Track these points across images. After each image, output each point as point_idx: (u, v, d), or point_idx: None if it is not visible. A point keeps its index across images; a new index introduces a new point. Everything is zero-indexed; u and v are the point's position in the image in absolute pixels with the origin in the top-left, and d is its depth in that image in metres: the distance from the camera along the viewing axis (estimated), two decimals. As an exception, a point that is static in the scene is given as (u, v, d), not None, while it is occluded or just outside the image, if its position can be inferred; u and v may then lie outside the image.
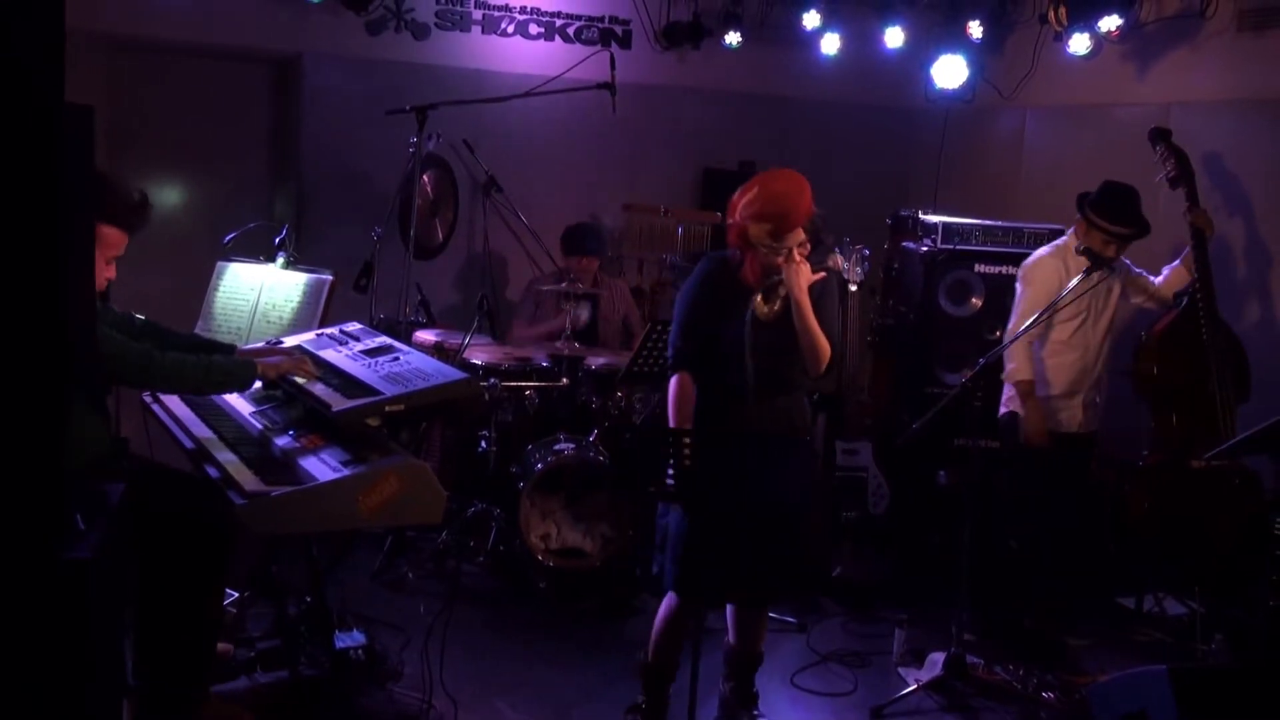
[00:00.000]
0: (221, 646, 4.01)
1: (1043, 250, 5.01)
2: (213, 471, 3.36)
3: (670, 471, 3.55)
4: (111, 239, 3.50)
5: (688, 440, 3.56)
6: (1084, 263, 4.75)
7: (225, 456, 3.43)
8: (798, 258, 3.63)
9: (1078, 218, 4.86)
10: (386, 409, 3.42)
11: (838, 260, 4.09)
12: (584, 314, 5.93)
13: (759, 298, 3.69)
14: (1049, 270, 4.88)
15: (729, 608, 3.95)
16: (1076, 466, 5.03)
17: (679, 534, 3.70)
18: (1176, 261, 5.11)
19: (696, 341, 3.75)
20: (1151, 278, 5.08)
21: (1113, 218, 4.73)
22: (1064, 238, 4.97)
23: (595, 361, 5.55)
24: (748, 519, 3.65)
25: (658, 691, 3.95)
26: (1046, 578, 5.00)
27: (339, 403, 3.44)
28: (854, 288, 5.49)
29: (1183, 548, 4.94)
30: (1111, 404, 5.64)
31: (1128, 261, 4.99)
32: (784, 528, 3.70)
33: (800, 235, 3.65)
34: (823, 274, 3.74)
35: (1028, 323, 4.61)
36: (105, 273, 3.55)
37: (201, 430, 3.71)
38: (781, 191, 3.63)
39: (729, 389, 3.73)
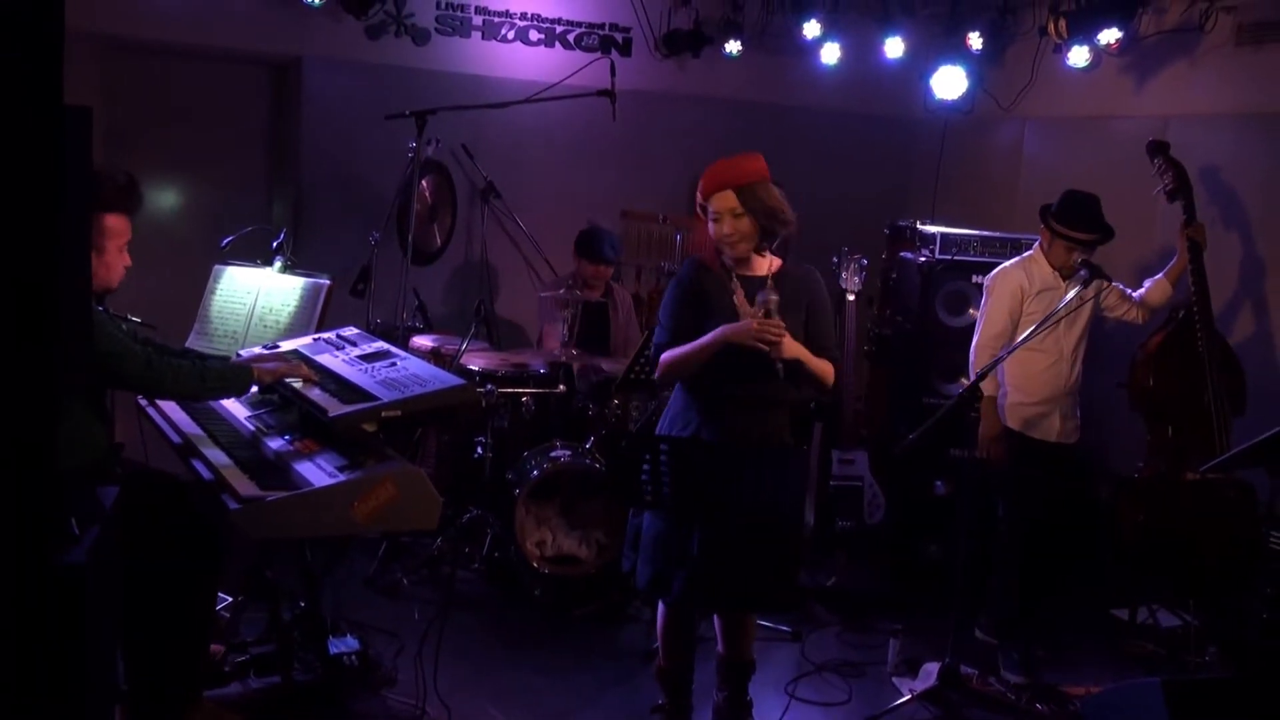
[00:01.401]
0: (212, 647, 4.01)
1: (1009, 261, 5.00)
2: (203, 470, 3.36)
3: (644, 478, 3.56)
4: (117, 227, 3.54)
5: (663, 448, 3.57)
6: (1046, 274, 4.82)
7: (217, 456, 3.43)
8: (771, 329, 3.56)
9: (1041, 228, 4.87)
10: (383, 414, 3.41)
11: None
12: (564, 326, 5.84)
13: (739, 297, 3.66)
14: (1011, 282, 4.86)
15: (715, 617, 3.95)
16: (1057, 478, 4.96)
17: (650, 537, 3.71)
18: (1159, 274, 5.11)
19: (677, 338, 3.72)
20: (1129, 290, 5.07)
21: (1075, 225, 4.75)
22: (1031, 250, 4.97)
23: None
24: (721, 527, 3.62)
25: (676, 692, 4.00)
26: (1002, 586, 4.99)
27: (335, 408, 3.44)
28: (851, 298, 5.50)
29: (1177, 560, 4.94)
30: (1107, 417, 5.64)
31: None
32: (759, 537, 3.66)
33: (731, 202, 3.62)
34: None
35: (1027, 333, 4.57)
36: (122, 261, 3.59)
37: (193, 429, 3.71)
38: (724, 158, 3.70)
39: (706, 395, 3.72)
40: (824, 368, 3.71)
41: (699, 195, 3.72)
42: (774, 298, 3.59)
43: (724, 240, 3.67)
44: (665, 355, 3.73)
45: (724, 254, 3.73)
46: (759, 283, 3.70)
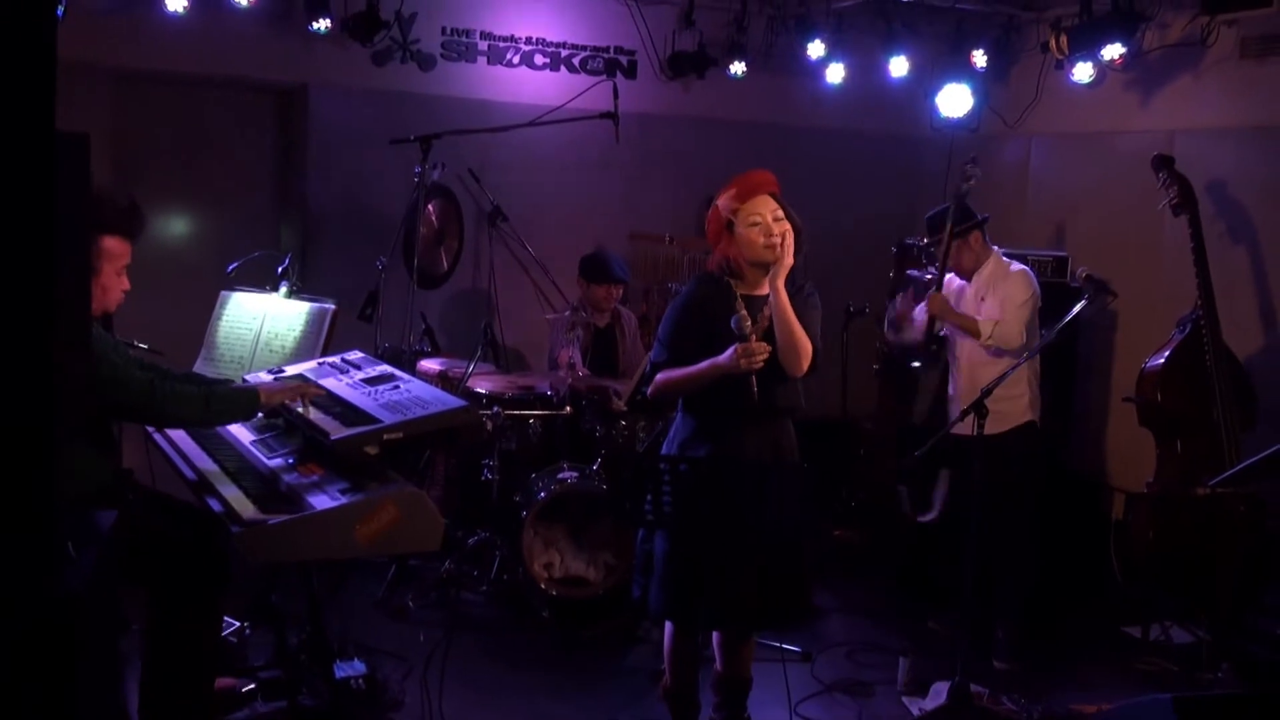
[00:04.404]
0: (226, 681, 4.00)
1: None
2: (215, 505, 3.36)
3: (648, 498, 3.55)
4: (115, 250, 3.53)
5: (673, 468, 3.56)
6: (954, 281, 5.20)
7: (228, 490, 3.42)
8: (781, 244, 3.62)
9: None
10: (385, 437, 3.43)
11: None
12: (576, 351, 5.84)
13: (746, 322, 3.63)
14: None
15: (715, 635, 3.94)
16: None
17: (663, 560, 3.70)
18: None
19: (677, 359, 3.72)
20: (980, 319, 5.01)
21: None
22: None
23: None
24: (733, 547, 3.60)
25: (684, 712, 3.98)
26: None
27: (337, 431, 3.45)
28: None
29: (1189, 575, 4.91)
30: (1115, 431, 5.62)
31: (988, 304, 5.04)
32: (770, 556, 3.65)
33: (772, 205, 3.66)
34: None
35: (1036, 344, 4.70)
36: (120, 285, 3.59)
37: (205, 462, 3.71)
38: (749, 171, 3.75)
39: (715, 414, 3.72)
40: (801, 335, 3.65)
41: (730, 201, 3.69)
42: (746, 319, 3.60)
43: (771, 242, 3.63)
44: (661, 375, 3.76)
45: (764, 258, 3.67)
46: (762, 301, 3.71)
